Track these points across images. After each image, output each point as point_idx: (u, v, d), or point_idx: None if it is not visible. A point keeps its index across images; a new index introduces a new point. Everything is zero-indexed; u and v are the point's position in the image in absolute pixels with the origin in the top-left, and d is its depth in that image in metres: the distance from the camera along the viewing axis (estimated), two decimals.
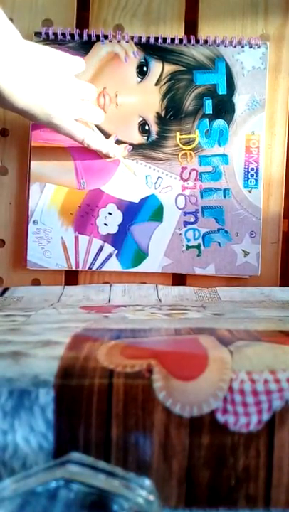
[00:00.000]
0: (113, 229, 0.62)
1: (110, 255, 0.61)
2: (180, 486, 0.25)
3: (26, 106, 0.49)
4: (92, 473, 0.23)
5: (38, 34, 0.60)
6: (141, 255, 0.61)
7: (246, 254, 0.61)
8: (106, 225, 0.61)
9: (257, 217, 0.61)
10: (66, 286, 0.61)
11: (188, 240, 0.61)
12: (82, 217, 0.62)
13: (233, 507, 0.26)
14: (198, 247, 0.61)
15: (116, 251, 0.61)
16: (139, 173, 0.61)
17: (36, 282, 0.62)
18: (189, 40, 0.59)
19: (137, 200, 0.61)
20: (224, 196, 0.61)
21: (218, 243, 0.61)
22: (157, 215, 0.61)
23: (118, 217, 0.61)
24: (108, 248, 0.61)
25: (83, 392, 0.26)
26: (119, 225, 0.61)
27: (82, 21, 0.61)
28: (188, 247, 0.61)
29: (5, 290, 0.59)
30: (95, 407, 0.25)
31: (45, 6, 0.61)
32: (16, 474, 0.24)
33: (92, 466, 0.23)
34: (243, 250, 0.61)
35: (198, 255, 0.61)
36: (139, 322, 0.38)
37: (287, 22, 0.59)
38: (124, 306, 0.49)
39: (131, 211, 0.61)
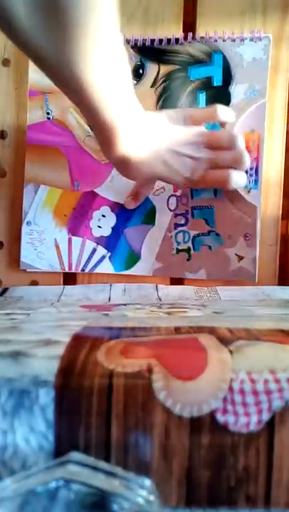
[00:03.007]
0: (106, 231, 0.61)
1: (103, 257, 0.61)
2: (180, 486, 0.25)
3: None
4: (92, 473, 0.23)
5: None
6: (133, 258, 0.61)
7: (240, 258, 0.58)
8: (100, 227, 0.61)
9: (253, 217, 0.57)
10: (66, 286, 0.61)
11: (178, 243, 0.60)
12: (76, 219, 0.61)
13: (233, 507, 0.26)
14: (188, 250, 0.59)
15: (109, 253, 0.61)
16: None
17: (34, 284, 0.62)
18: (186, 38, 0.59)
19: None
20: (215, 195, 0.59)
21: (209, 247, 0.59)
22: (150, 217, 0.60)
23: (112, 219, 0.61)
24: (101, 250, 0.61)
25: (83, 392, 0.25)
26: (112, 228, 0.61)
27: None
28: (178, 251, 0.60)
29: (5, 290, 0.59)
30: (95, 407, 0.25)
31: None
32: (16, 474, 0.24)
33: (92, 466, 0.23)
34: (236, 255, 0.58)
35: (188, 259, 0.59)
36: (139, 320, 0.38)
37: (285, 22, 0.59)
38: (124, 305, 0.49)
39: (124, 214, 0.61)
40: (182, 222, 0.60)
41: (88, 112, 0.46)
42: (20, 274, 0.62)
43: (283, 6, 0.59)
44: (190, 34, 0.59)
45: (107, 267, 0.61)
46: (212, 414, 0.25)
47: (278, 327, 0.33)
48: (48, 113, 0.61)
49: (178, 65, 0.59)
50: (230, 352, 0.28)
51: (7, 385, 0.25)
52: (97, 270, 0.61)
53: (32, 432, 0.25)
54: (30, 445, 0.25)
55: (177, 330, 0.33)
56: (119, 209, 0.61)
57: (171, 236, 0.60)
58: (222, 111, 0.55)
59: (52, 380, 0.26)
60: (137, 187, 0.59)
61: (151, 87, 0.60)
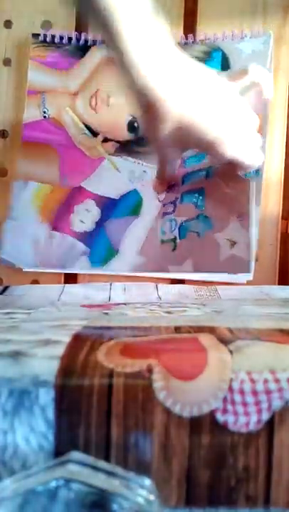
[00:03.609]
0: (89, 226, 0.58)
1: (83, 253, 0.58)
2: (180, 486, 0.25)
3: None
4: (92, 473, 0.23)
5: (36, 35, 0.60)
6: (112, 253, 0.58)
7: (233, 244, 0.51)
8: (82, 222, 0.58)
9: (246, 192, 0.50)
10: (66, 285, 0.60)
11: (164, 233, 0.55)
12: (60, 215, 0.59)
13: (233, 507, 0.26)
14: (173, 240, 0.55)
15: (88, 249, 0.58)
16: (123, 168, 0.58)
17: (35, 283, 0.62)
18: (186, 39, 0.58)
19: (117, 197, 0.58)
20: (206, 176, 0.55)
21: (197, 233, 0.53)
22: (135, 209, 0.57)
23: (96, 214, 0.58)
24: (80, 246, 0.58)
25: (83, 392, 0.26)
26: (96, 223, 0.58)
27: (82, 24, 0.61)
28: (162, 242, 0.55)
29: (5, 288, 0.59)
30: (95, 407, 0.25)
31: (45, 7, 0.61)
32: (16, 474, 0.24)
33: (92, 466, 0.23)
34: (228, 240, 0.51)
35: (173, 249, 0.54)
36: (139, 319, 0.38)
37: (285, 23, 0.59)
38: (124, 304, 0.49)
39: (110, 208, 0.58)
40: (170, 210, 0.56)
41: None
42: (22, 273, 0.62)
43: (284, 6, 0.59)
44: (190, 36, 0.59)
45: (84, 263, 0.58)
46: (212, 414, 0.25)
47: (278, 326, 0.33)
48: (44, 112, 0.61)
49: None
50: (230, 352, 0.28)
51: (7, 385, 0.26)
52: (76, 266, 0.58)
53: (32, 432, 0.25)
54: (30, 445, 0.25)
55: (177, 329, 0.33)
56: (104, 203, 0.59)
57: (157, 227, 0.56)
58: (255, 70, 0.51)
59: (52, 380, 0.26)
60: (161, 162, 0.53)
61: None
